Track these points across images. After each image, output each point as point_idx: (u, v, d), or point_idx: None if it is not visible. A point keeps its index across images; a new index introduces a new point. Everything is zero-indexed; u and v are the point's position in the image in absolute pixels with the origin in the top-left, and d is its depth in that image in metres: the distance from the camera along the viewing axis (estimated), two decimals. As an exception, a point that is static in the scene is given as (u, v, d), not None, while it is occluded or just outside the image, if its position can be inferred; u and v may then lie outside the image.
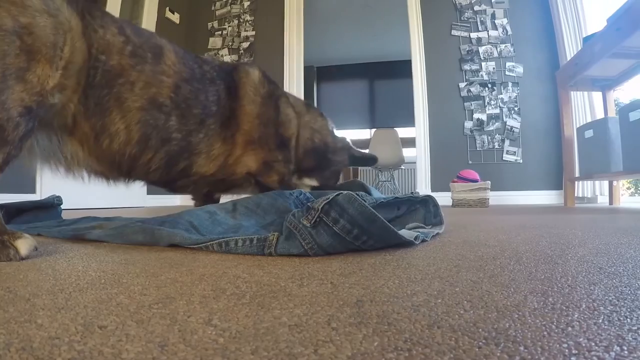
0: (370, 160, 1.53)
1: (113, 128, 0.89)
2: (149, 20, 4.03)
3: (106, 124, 0.88)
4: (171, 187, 1.12)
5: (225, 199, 1.19)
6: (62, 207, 1.50)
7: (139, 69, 0.90)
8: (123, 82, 0.88)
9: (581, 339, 0.29)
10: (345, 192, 0.71)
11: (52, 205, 1.45)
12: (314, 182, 1.36)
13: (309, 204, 0.72)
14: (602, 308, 0.37)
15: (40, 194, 2.75)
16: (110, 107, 0.87)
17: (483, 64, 3.98)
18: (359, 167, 5.78)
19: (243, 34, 4.55)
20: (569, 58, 3.49)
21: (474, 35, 4.04)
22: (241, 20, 4.59)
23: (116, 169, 0.96)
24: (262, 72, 1.19)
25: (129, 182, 1.05)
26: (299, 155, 1.26)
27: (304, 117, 1.28)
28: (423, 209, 1.06)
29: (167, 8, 4.31)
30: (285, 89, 2.62)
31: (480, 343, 0.28)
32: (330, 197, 0.69)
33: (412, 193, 1.21)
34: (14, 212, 1.38)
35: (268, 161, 1.12)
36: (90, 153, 0.90)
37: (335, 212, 0.69)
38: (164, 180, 1.07)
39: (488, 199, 3.27)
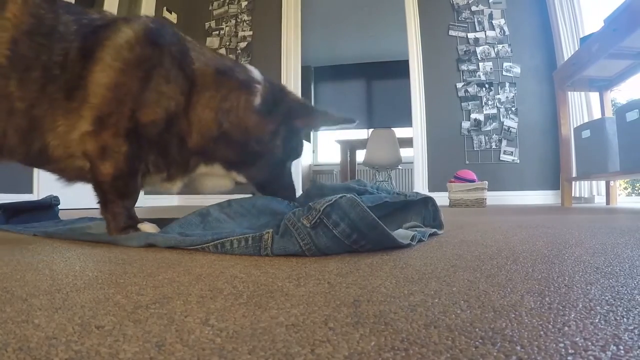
0: (350, 121, 1.08)
1: None
2: (146, 20, 4.02)
3: None
4: (50, 172, 0.96)
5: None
6: (60, 207, 1.50)
7: None
8: None
9: (578, 339, 0.29)
10: (349, 195, 0.70)
11: (49, 206, 1.45)
12: (241, 179, 1.03)
13: (310, 203, 0.72)
14: (598, 308, 0.37)
15: (37, 194, 2.74)
16: None
17: (480, 64, 3.99)
18: (357, 168, 5.78)
19: (240, 33, 4.55)
20: (566, 58, 3.50)
21: (471, 35, 4.05)
22: (238, 20, 4.59)
23: None
24: (145, 31, 0.90)
25: (6, 160, 0.94)
26: (193, 143, 0.93)
27: (203, 93, 0.92)
28: (422, 209, 1.06)
29: (165, 8, 4.30)
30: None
31: (477, 343, 0.28)
32: (333, 200, 0.69)
33: (406, 196, 1.19)
34: (12, 212, 1.38)
35: (107, 147, 0.85)
36: None
37: (337, 215, 0.68)
38: (34, 163, 0.95)
39: (485, 199, 3.28)
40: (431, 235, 0.97)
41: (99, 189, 0.91)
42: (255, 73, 1.02)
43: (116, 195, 0.90)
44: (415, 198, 1.06)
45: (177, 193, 1.11)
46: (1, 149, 0.89)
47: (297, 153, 1.07)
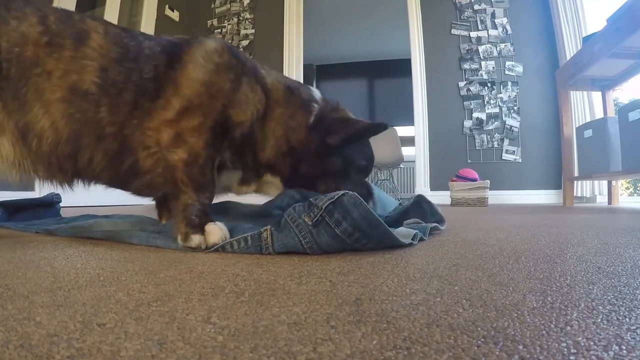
0: (376, 128, 1.04)
1: (38, 126, 0.82)
2: (148, 18, 4.03)
3: (29, 121, 0.81)
4: (132, 191, 0.96)
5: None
6: (61, 204, 1.50)
7: (56, 57, 0.82)
8: (40, 73, 0.81)
9: (580, 338, 0.29)
10: (351, 193, 0.70)
11: (51, 203, 1.45)
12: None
13: (311, 199, 0.72)
14: (600, 307, 0.37)
15: (39, 192, 2.74)
16: (30, 100, 0.81)
17: (483, 63, 3.98)
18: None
19: (243, 32, 4.55)
20: (568, 58, 3.49)
21: (473, 34, 4.04)
22: (241, 18, 4.59)
23: (58, 171, 0.88)
24: (226, 45, 0.95)
25: (86, 185, 0.95)
26: (265, 156, 0.96)
27: (276, 109, 0.96)
28: (418, 209, 1.06)
29: (167, 6, 4.30)
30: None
31: (479, 342, 0.28)
32: (335, 198, 0.69)
33: (400, 203, 1.21)
34: (14, 209, 1.38)
35: (182, 133, 0.83)
36: (23, 155, 0.84)
37: (339, 213, 0.68)
38: (119, 183, 0.94)
39: (487, 198, 3.28)
40: (433, 230, 0.97)
41: (170, 179, 0.83)
42: (316, 93, 1.04)
43: (190, 184, 0.82)
44: (409, 204, 1.07)
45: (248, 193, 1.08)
46: (85, 175, 0.90)
47: (348, 170, 1.00)
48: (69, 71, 0.82)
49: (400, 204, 1.19)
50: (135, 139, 0.85)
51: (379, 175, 5.59)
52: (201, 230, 0.78)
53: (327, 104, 1.03)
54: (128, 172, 0.89)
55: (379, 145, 5.07)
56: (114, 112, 0.84)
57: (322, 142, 0.96)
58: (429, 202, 1.06)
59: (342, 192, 0.70)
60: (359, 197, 0.69)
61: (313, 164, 0.98)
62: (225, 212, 1.08)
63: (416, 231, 0.84)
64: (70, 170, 0.87)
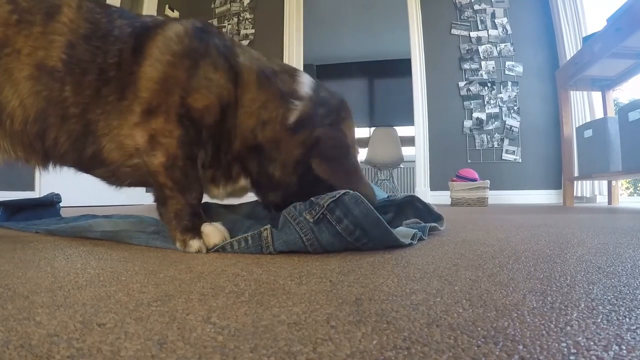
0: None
1: (9, 106, 0.81)
2: (148, 18, 4.02)
3: (2, 101, 0.81)
4: (99, 178, 0.92)
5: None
6: (61, 204, 1.50)
7: (25, 34, 0.80)
8: (9, 52, 0.80)
9: (580, 338, 0.29)
10: (352, 192, 0.70)
11: (51, 203, 1.45)
12: (276, 197, 0.91)
13: (312, 198, 0.72)
14: (600, 307, 0.37)
15: (39, 192, 2.74)
16: (1, 81, 0.80)
17: (483, 63, 3.98)
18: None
19: (242, 32, 4.55)
20: (568, 58, 3.49)
21: (473, 34, 4.04)
22: (241, 18, 4.59)
23: (32, 152, 0.86)
24: (191, 26, 0.87)
25: (56, 167, 0.92)
26: (235, 147, 0.86)
27: (246, 93, 0.86)
28: (413, 209, 1.06)
29: (167, 5, 4.30)
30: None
31: (479, 342, 0.28)
32: (337, 196, 0.69)
33: (388, 196, 1.20)
34: (14, 209, 1.38)
35: (155, 135, 0.79)
36: (0, 136, 0.83)
37: (340, 211, 0.68)
38: (83, 168, 0.91)
39: (487, 198, 3.28)
40: (432, 230, 0.97)
41: (155, 184, 0.81)
42: (303, 86, 0.91)
43: (174, 188, 0.79)
44: (398, 199, 1.06)
45: (222, 199, 0.96)
46: (52, 155, 0.88)
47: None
48: (37, 48, 0.80)
49: (389, 196, 1.18)
50: (100, 128, 0.82)
51: (379, 175, 5.60)
52: (197, 233, 0.76)
53: (320, 102, 0.90)
54: (91, 159, 0.86)
55: (379, 145, 5.08)
56: (77, 92, 0.81)
57: (306, 155, 0.85)
58: (423, 202, 1.06)
59: (343, 191, 0.70)
60: (360, 195, 0.70)
61: (290, 173, 0.87)
62: (209, 212, 1.02)
63: (415, 231, 0.84)
64: (41, 150, 0.86)
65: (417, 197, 1.06)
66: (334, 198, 0.69)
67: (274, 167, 0.87)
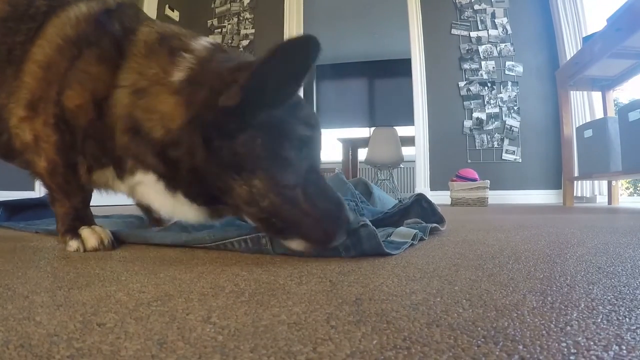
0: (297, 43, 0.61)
1: None
2: (148, 18, 4.02)
3: None
4: (21, 167, 0.89)
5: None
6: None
7: None
8: None
9: (580, 338, 0.29)
10: (370, 226, 0.65)
11: (51, 203, 1.45)
12: (190, 212, 0.70)
13: None
14: (600, 307, 0.37)
15: (39, 192, 2.74)
16: None
17: (483, 63, 3.98)
18: (359, 166, 5.77)
19: (242, 31, 4.55)
20: (568, 58, 3.49)
21: (473, 34, 4.04)
22: (241, 18, 4.59)
23: None
24: (96, 10, 0.76)
25: None
26: (120, 142, 0.69)
27: (124, 68, 0.70)
28: (419, 209, 1.06)
29: (167, 5, 4.30)
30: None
31: (479, 342, 0.28)
32: (353, 229, 0.65)
33: (400, 201, 1.20)
34: (14, 209, 1.38)
35: (38, 137, 0.74)
36: None
37: (351, 241, 0.66)
38: (5, 156, 0.88)
39: (487, 198, 3.28)
40: (433, 231, 0.97)
41: (43, 185, 0.81)
42: (200, 41, 0.71)
43: (59, 192, 0.79)
44: (409, 202, 1.06)
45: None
46: None
47: (278, 150, 0.61)
48: None
49: (400, 201, 1.18)
50: (7, 112, 0.77)
51: (379, 175, 5.60)
52: (76, 234, 0.77)
53: (221, 55, 0.68)
54: (6, 147, 0.82)
55: (379, 145, 5.08)
56: None
57: (214, 113, 0.60)
58: (429, 202, 1.06)
59: (361, 222, 0.65)
60: (375, 230, 0.66)
61: (204, 150, 0.62)
62: None
63: (416, 231, 0.84)
64: None
65: (425, 197, 1.06)
66: (350, 229, 0.65)
67: (173, 149, 0.64)
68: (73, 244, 0.75)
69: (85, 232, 0.77)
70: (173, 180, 0.67)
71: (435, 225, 0.98)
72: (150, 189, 0.71)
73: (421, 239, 0.85)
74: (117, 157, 0.72)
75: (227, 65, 0.63)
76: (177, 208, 0.70)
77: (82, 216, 0.80)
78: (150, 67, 0.67)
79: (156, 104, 0.65)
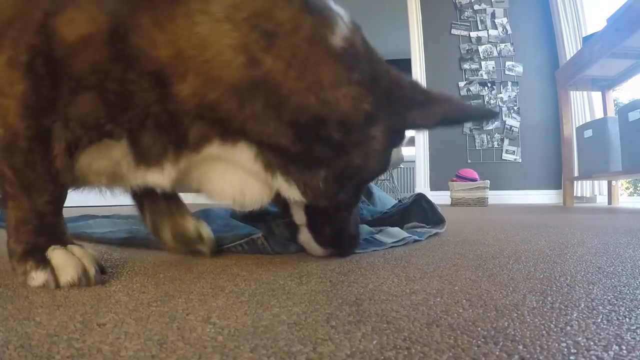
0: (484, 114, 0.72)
1: None
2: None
3: None
4: None
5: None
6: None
7: None
8: None
9: (580, 338, 0.29)
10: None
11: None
12: (291, 193, 0.55)
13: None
14: (600, 307, 0.37)
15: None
16: None
17: (483, 63, 3.98)
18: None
19: (243, 32, 4.54)
20: (568, 58, 3.49)
21: (473, 34, 4.04)
22: (241, 18, 4.58)
23: None
24: None
25: None
26: (196, 95, 0.48)
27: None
28: (420, 210, 1.06)
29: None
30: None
31: (479, 342, 0.28)
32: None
33: (399, 200, 1.20)
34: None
35: None
36: None
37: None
38: None
39: (487, 198, 3.28)
40: (431, 235, 0.96)
41: None
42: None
43: (15, 184, 0.50)
44: (408, 202, 1.06)
45: (169, 189, 0.58)
46: None
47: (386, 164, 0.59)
48: None
49: (400, 201, 1.18)
50: None
51: (379, 175, 5.59)
52: (43, 261, 0.47)
53: (357, 33, 0.58)
54: None
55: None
56: None
57: (394, 117, 0.54)
58: (429, 202, 1.06)
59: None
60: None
61: (336, 130, 0.51)
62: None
63: (407, 235, 0.84)
64: None
65: (425, 196, 1.06)
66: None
67: (328, 122, 0.51)
68: (38, 277, 0.46)
69: (57, 256, 0.48)
70: (290, 158, 0.53)
71: (435, 232, 0.97)
72: (229, 168, 0.55)
73: (416, 241, 0.85)
74: (167, 123, 0.51)
75: (397, 78, 0.56)
76: (252, 188, 0.56)
77: (51, 227, 0.52)
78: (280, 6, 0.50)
79: (310, 63, 0.49)
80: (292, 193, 0.55)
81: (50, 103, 0.48)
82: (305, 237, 0.64)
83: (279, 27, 0.48)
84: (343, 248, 0.65)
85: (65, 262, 0.47)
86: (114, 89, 0.48)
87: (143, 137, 0.51)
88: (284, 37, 0.48)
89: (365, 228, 0.84)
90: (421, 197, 1.06)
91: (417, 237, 0.86)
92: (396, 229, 0.87)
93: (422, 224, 1.00)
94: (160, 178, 0.53)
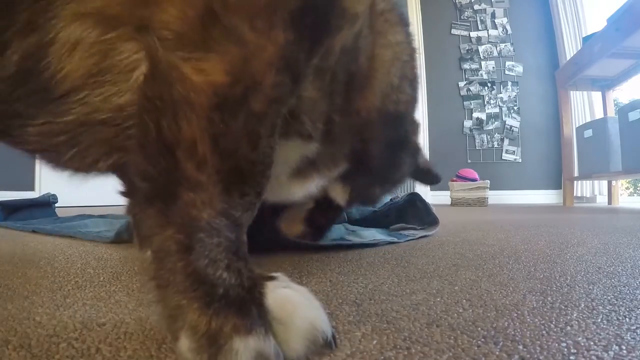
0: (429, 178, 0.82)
1: None
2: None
3: None
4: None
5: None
6: (60, 204, 1.51)
7: None
8: None
9: (580, 338, 0.29)
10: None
11: (47, 204, 1.46)
12: (339, 197, 0.61)
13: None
14: (600, 307, 0.37)
15: (39, 192, 2.75)
16: None
17: (483, 63, 3.98)
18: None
19: (243, 32, 4.55)
20: (568, 58, 3.49)
21: (473, 34, 4.04)
22: (241, 18, 4.58)
23: None
24: None
25: None
26: (372, 106, 0.51)
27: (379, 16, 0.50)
28: (414, 209, 1.03)
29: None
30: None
31: (479, 342, 0.28)
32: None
33: (390, 199, 1.17)
34: (10, 209, 1.39)
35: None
36: None
37: None
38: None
39: (487, 198, 3.28)
40: (424, 236, 0.93)
41: (158, 142, 0.30)
42: None
43: (218, 160, 0.30)
44: (401, 201, 1.04)
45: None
46: None
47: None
48: None
49: (391, 200, 1.16)
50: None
51: (379, 175, 5.60)
52: (260, 312, 0.26)
53: None
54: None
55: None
56: None
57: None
58: (423, 201, 1.03)
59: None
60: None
61: (401, 130, 0.60)
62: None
63: (382, 237, 0.83)
64: None
65: (419, 196, 1.04)
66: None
67: (401, 121, 0.59)
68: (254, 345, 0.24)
69: (282, 294, 0.28)
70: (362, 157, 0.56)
71: (423, 234, 0.93)
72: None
73: (391, 243, 0.82)
74: (346, 130, 0.50)
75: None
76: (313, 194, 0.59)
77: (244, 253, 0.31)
78: (404, 40, 0.55)
79: (405, 84, 0.56)
80: (337, 195, 0.62)
81: (307, 67, 0.35)
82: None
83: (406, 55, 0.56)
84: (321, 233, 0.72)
85: (297, 307, 0.28)
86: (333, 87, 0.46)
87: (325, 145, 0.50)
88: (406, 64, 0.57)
89: (339, 231, 0.85)
90: (415, 197, 1.04)
91: (392, 239, 0.83)
92: (370, 232, 0.86)
93: (413, 226, 0.97)
94: (303, 190, 0.55)
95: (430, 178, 0.82)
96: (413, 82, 0.57)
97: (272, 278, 0.29)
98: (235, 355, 0.23)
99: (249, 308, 0.25)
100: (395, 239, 0.84)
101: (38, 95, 0.35)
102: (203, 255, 0.27)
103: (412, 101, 0.59)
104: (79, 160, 0.38)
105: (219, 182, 0.30)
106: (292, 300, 0.26)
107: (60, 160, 0.38)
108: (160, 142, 0.29)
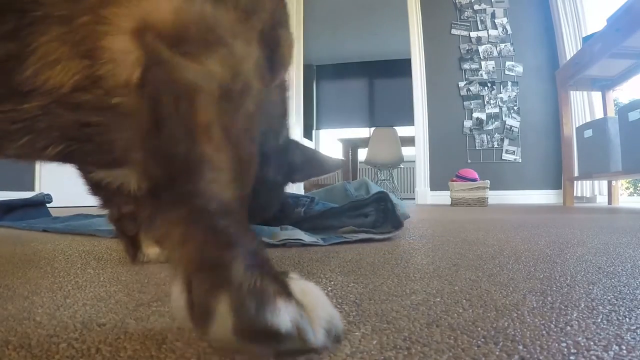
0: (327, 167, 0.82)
1: None
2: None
3: None
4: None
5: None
6: (59, 204, 1.52)
7: None
8: None
9: (580, 338, 0.29)
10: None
11: (41, 203, 1.47)
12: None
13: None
14: (600, 307, 0.37)
15: (38, 192, 2.75)
16: None
17: (483, 63, 3.98)
18: (359, 166, 5.77)
19: (243, 32, 4.54)
20: (568, 58, 3.49)
21: (473, 34, 4.04)
22: (241, 18, 4.58)
23: None
24: None
25: None
26: None
27: None
28: (376, 209, 0.97)
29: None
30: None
31: (479, 342, 0.28)
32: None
33: (355, 196, 1.10)
34: (5, 209, 1.39)
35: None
36: None
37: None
38: None
39: (487, 198, 3.27)
40: (386, 238, 0.89)
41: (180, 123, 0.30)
42: None
43: (223, 154, 0.31)
44: (363, 198, 0.99)
45: None
46: None
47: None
48: None
49: (355, 197, 1.10)
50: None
51: (379, 175, 5.60)
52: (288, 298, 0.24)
53: None
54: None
55: (379, 145, 5.08)
56: None
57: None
58: (386, 205, 0.96)
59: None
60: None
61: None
62: None
63: (314, 238, 0.82)
64: None
65: (387, 197, 0.96)
66: None
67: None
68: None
69: (301, 285, 0.27)
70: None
71: (370, 236, 0.87)
72: None
73: (335, 244, 0.82)
74: None
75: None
76: None
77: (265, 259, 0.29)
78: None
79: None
80: None
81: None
82: None
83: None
84: None
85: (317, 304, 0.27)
86: None
87: None
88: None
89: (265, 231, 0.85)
90: (382, 198, 0.96)
91: (313, 241, 0.81)
92: (296, 231, 0.83)
93: (369, 229, 0.91)
94: None
95: (328, 166, 0.80)
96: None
97: (285, 273, 0.29)
98: (278, 313, 0.23)
99: (284, 282, 0.26)
100: (320, 241, 0.81)
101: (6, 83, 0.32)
102: (235, 223, 0.28)
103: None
104: (29, 146, 0.36)
105: (231, 170, 0.31)
106: (313, 291, 0.26)
107: (11, 146, 0.36)
108: (179, 127, 0.29)
